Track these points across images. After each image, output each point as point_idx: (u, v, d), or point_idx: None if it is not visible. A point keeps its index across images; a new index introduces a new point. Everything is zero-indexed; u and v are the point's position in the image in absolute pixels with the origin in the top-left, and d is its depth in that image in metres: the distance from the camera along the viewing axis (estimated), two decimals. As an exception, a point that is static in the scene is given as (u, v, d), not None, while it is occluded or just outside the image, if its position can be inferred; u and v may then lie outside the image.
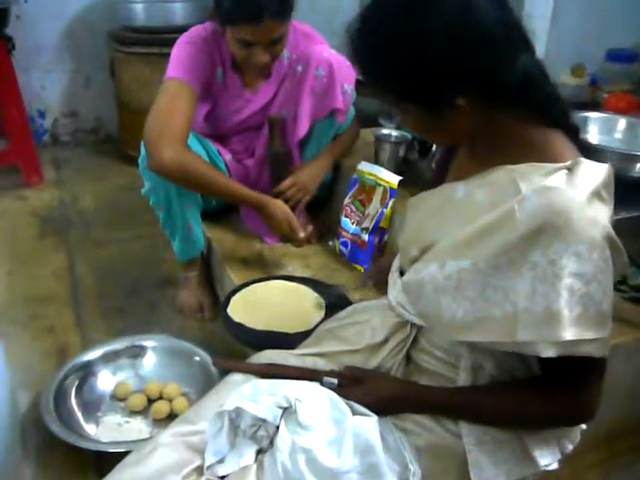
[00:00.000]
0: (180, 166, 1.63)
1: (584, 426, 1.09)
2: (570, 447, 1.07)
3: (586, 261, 0.85)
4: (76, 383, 1.63)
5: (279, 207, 1.78)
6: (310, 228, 1.85)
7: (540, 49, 0.85)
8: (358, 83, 1.92)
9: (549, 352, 0.87)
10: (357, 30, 0.95)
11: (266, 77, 1.94)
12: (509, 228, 0.89)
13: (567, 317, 0.86)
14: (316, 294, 1.63)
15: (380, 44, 0.93)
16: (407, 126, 1.06)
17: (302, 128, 1.90)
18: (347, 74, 1.85)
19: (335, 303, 1.55)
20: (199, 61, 1.75)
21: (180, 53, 1.75)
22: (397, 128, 2.12)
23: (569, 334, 0.86)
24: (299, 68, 1.87)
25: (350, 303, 1.48)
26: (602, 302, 0.88)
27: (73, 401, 1.59)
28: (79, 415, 1.57)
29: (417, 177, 1.87)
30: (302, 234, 1.79)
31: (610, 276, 0.89)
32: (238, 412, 1.01)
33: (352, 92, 1.90)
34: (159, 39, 2.90)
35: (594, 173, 0.91)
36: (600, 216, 0.88)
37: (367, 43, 0.95)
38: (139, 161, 1.80)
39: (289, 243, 1.87)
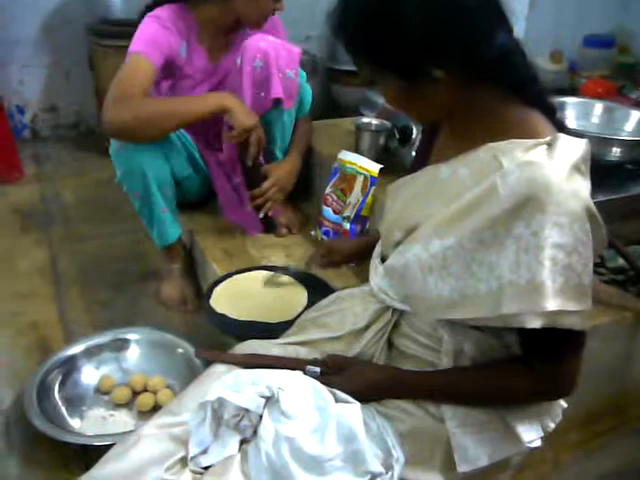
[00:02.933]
0: (131, 112, 1.65)
1: (564, 404, 1.11)
2: (552, 425, 1.09)
3: (568, 232, 0.87)
4: (59, 378, 1.62)
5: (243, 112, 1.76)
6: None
7: (519, 35, 0.87)
8: (340, 73, 1.91)
9: (534, 323, 0.89)
10: (338, 3, 0.97)
11: (229, 48, 1.96)
12: (492, 203, 0.91)
13: (550, 288, 0.88)
14: (298, 284, 1.63)
15: (359, 13, 0.95)
16: (388, 101, 1.07)
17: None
18: (288, 59, 1.85)
19: (317, 292, 1.55)
20: (160, 36, 1.77)
21: (143, 29, 1.77)
22: (377, 116, 2.13)
23: (552, 304, 0.87)
24: (238, 61, 1.86)
25: (332, 291, 1.49)
26: (582, 274, 0.90)
27: (57, 396, 1.58)
28: (63, 410, 1.56)
29: (398, 165, 1.87)
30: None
31: (590, 249, 0.91)
32: (221, 402, 1.01)
33: (296, 75, 1.90)
34: (137, 32, 2.87)
35: (573, 148, 0.93)
36: (580, 189, 0.90)
37: (347, 14, 0.96)
38: (110, 149, 1.79)
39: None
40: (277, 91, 1.85)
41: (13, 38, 3.33)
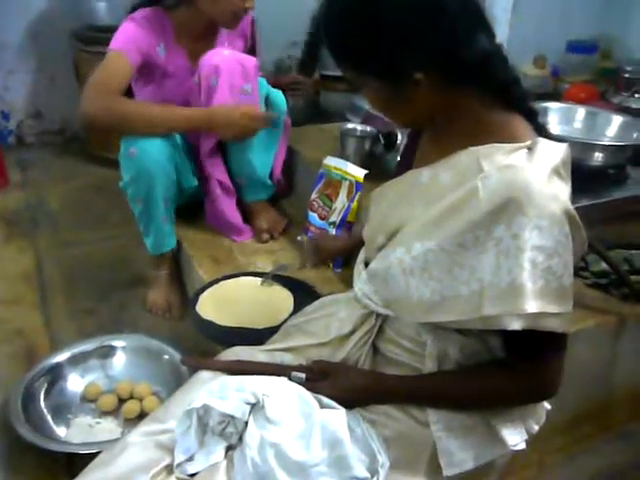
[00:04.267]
0: (108, 108, 1.71)
1: (548, 406, 1.12)
2: (536, 427, 1.09)
3: (547, 235, 0.88)
4: (45, 385, 1.61)
5: (226, 110, 1.80)
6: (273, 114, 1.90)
7: (502, 40, 0.88)
8: (326, 79, 1.91)
9: (515, 325, 0.90)
10: (322, 7, 0.98)
11: (211, 47, 1.97)
12: (473, 206, 0.92)
13: (530, 290, 0.88)
14: (284, 289, 1.64)
15: (342, 16, 0.96)
16: (370, 104, 1.09)
17: (209, 141, 1.93)
18: (243, 73, 1.87)
19: (303, 298, 1.55)
20: (138, 35, 1.82)
21: (122, 29, 1.83)
22: (363, 122, 2.13)
23: (533, 306, 0.88)
24: (196, 79, 1.89)
25: (318, 296, 1.49)
26: (563, 276, 0.91)
27: (42, 404, 1.58)
28: (49, 418, 1.55)
29: (383, 170, 1.89)
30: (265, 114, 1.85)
31: (570, 251, 0.92)
32: (206, 409, 1.01)
33: (254, 89, 1.91)
34: (123, 38, 2.87)
35: (553, 152, 0.95)
36: (560, 192, 0.91)
37: (330, 17, 0.98)
38: (120, 154, 1.81)
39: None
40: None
41: (-2, 44, 3.32)
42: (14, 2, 3.26)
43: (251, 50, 2.12)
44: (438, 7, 0.91)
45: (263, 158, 2.06)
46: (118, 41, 1.80)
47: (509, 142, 0.95)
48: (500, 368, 1.02)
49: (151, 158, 1.77)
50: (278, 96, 2.05)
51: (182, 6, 1.88)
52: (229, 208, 2.05)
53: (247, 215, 2.12)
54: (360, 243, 1.50)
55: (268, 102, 2.03)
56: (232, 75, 1.84)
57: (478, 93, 0.98)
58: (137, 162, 1.77)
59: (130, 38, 1.80)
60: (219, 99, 1.84)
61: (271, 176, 2.13)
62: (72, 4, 3.26)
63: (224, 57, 1.85)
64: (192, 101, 1.93)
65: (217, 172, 1.99)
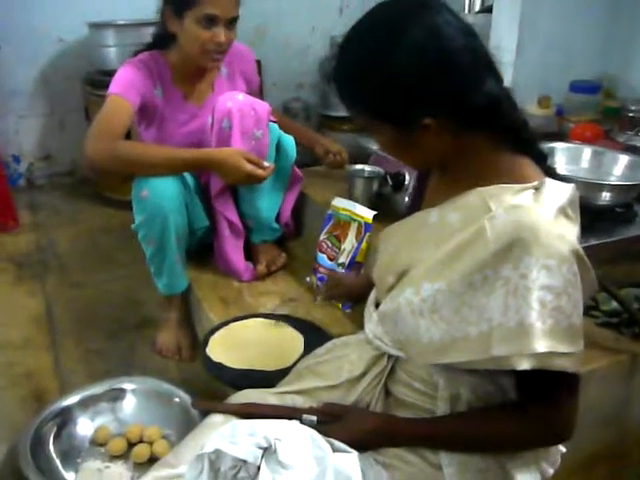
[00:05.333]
0: (111, 152, 1.72)
1: (563, 449, 1.10)
2: (550, 471, 1.08)
3: (556, 275, 0.88)
4: (54, 430, 1.60)
5: (229, 153, 1.80)
6: (272, 165, 1.88)
7: (507, 82, 0.90)
8: (333, 119, 1.92)
9: (524, 365, 0.89)
10: (334, 57, 1.00)
11: (211, 89, 2.02)
12: (481, 246, 0.92)
13: (539, 329, 0.88)
14: (295, 330, 1.63)
15: (354, 67, 0.98)
16: (381, 148, 1.11)
17: (219, 180, 1.93)
18: (255, 119, 1.89)
19: (313, 339, 1.55)
20: (135, 77, 1.85)
21: (120, 73, 1.86)
22: (370, 163, 2.15)
23: (542, 346, 0.88)
24: (209, 120, 1.92)
25: (329, 339, 1.49)
26: (572, 315, 0.91)
27: (51, 448, 1.56)
28: (58, 462, 1.54)
29: (391, 211, 1.89)
30: (266, 164, 1.85)
31: (579, 291, 0.92)
32: (218, 454, 1.00)
33: (265, 135, 1.93)
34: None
35: (560, 192, 0.96)
36: (567, 232, 0.92)
37: (341, 66, 1.00)
38: (133, 196, 1.82)
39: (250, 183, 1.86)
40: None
41: (10, 89, 3.39)
42: (27, 48, 3.35)
43: (257, 92, 2.16)
44: (449, 60, 0.92)
45: (269, 202, 2.07)
46: (117, 85, 1.83)
47: (517, 183, 0.96)
48: (513, 411, 1.01)
49: (163, 199, 1.79)
50: (289, 142, 2.07)
51: (173, 47, 1.92)
52: (234, 250, 2.05)
53: (251, 254, 2.14)
54: (369, 283, 1.50)
55: (279, 147, 2.05)
56: (244, 120, 1.86)
57: (487, 136, 1.00)
58: (150, 204, 1.79)
59: (128, 81, 1.84)
60: (230, 143, 1.86)
61: (278, 219, 2.15)
62: (83, 50, 3.34)
63: (237, 101, 1.87)
64: (204, 142, 1.96)
65: (227, 212, 2.01)
